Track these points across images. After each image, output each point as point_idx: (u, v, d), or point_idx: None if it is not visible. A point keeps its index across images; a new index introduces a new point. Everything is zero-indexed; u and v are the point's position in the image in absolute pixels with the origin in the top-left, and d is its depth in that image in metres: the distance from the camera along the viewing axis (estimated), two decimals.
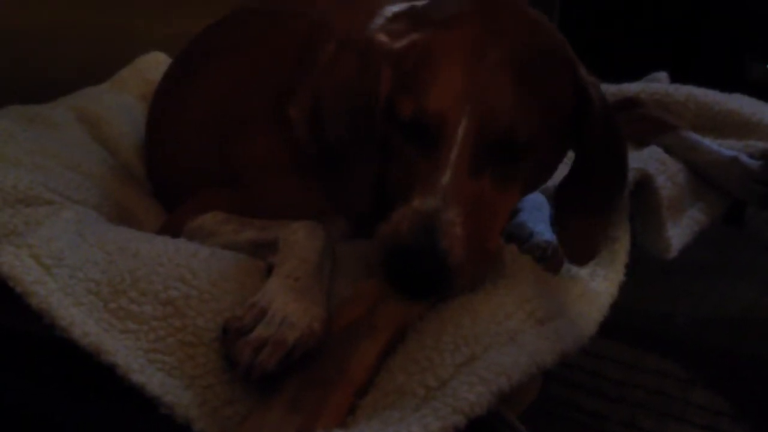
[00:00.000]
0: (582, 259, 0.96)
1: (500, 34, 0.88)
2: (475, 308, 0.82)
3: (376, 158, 0.93)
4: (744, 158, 1.30)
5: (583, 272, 0.96)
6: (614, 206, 0.99)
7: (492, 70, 0.86)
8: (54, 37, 1.56)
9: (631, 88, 1.54)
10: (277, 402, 0.77)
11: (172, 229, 1.01)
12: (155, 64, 1.54)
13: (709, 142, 1.34)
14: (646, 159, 1.28)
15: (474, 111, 0.85)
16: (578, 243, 0.95)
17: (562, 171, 0.99)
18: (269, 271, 0.87)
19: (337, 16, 1.10)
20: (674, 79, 1.71)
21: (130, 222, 1.11)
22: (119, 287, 0.82)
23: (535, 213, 1.07)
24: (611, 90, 1.53)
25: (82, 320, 0.77)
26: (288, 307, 0.79)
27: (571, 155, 0.99)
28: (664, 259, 1.13)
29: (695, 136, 1.35)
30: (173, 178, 1.19)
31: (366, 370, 0.79)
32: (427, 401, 0.71)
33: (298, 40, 1.11)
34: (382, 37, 0.93)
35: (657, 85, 1.55)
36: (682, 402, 1.32)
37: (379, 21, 1.01)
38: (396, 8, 1.03)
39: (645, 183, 1.12)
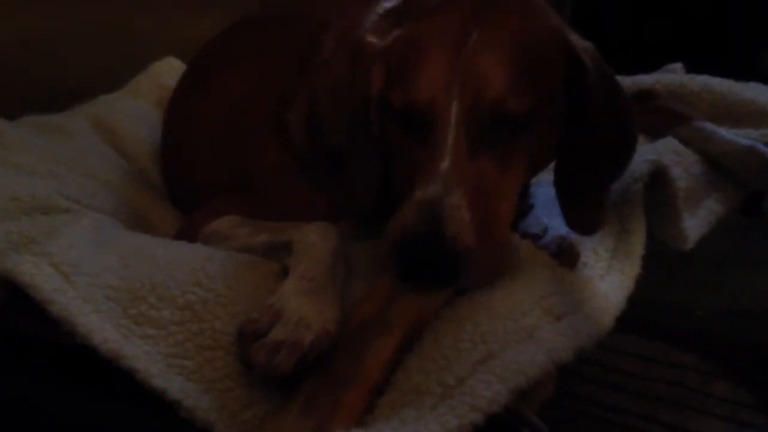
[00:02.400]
0: (588, 230, 0.95)
1: (482, 14, 0.88)
2: (491, 305, 0.82)
3: (375, 157, 0.93)
4: (760, 147, 1.29)
5: (599, 266, 0.96)
6: (621, 172, 0.97)
7: (476, 50, 0.85)
8: (66, 43, 1.57)
9: (645, 79, 1.52)
10: (293, 404, 0.77)
11: (188, 234, 1.02)
12: (169, 69, 1.56)
13: (725, 132, 1.33)
14: (661, 151, 1.27)
15: (463, 92, 0.84)
16: (583, 216, 0.94)
17: None
18: (284, 273, 0.88)
19: (338, 15, 1.11)
20: (689, 69, 1.70)
21: (147, 228, 1.12)
22: (138, 293, 0.83)
23: (549, 207, 1.06)
24: (626, 82, 1.53)
25: (101, 327, 0.78)
26: (303, 309, 0.80)
27: None
28: (681, 250, 1.13)
29: (711, 127, 1.34)
30: (189, 184, 1.20)
31: (381, 368, 0.79)
32: (444, 399, 0.72)
33: (302, 43, 1.11)
34: (371, 36, 0.94)
35: (672, 76, 1.54)
36: (703, 394, 1.32)
37: (371, 18, 1.01)
38: (388, 4, 1.03)
39: (660, 174, 1.12)
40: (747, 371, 1.38)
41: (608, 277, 0.96)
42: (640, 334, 1.45)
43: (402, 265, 0.82)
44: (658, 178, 1.12)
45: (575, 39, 0.92)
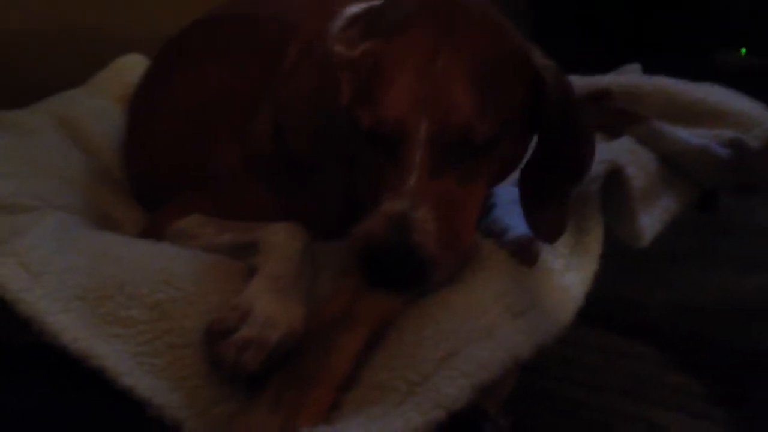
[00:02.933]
0: (550, 237, 0.97)
1: (450, 36, 0.90)
2: (453, 304, 0.84)
3: (341, 166, 0.95)
4: (714, 147, 1.33)
5: (557, 264, 0.98)
6: (577, 182, 1.01)
7: (444, 73, 0.88)
8: (29, 40, 1.56)
9: (602, 80, 1.56)
10: (261, 400, 0.79)
11: (154, 232, 1.03)
12: (132, 66, 1.55)
13: (680, 132, 1.37)
14: (617, 150, 1.31)
15: (430, 114, 0.87)
16: (545, 221, 0.97)
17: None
18: (251, 272, 0.89)
19: (304, 19, 1.12)
20: (646, 69, 1.74)
21: (112, 226, 1.13)
22: (106, 292, 0.83)
23: (510, 207, 1.09)
24: (582, 82, 1.56)
25: (70, 326, 0.79)
26: (270, 308, 0.81)
27: None
28: (637, 247, 1.16)
29: (665, 126, 1.38)
30: (151, 181, 1.21)
31: (346, 365, 0.81)
32: (409, 396, 0.74)
33: (264, 46, 1.13)
34: (339, 46, 0.95)
35: (627, 77, 1.58)
36: (658, 386, 1.36)
37: (338, 24, 1.03)
38: (354, 9, 1.05)
39: (616, 174, 1.15)
40: (701, 364, 1.43)
41: (567, 274, 0.98)
42: (598, 327, 1.49)
43: (368, 273, 0.85)
44: (614, 178, 1.15)
45: (537, 58, 0.95)
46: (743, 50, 2.77)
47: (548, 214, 0.97)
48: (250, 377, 0.79)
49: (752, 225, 1.91)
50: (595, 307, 1.01)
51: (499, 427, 0.80)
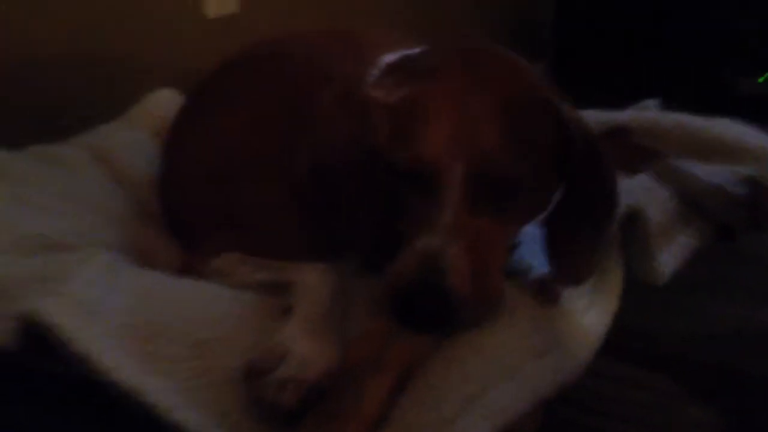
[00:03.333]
0: (578, 280, 1.02)
1: (483, 83, 0.96)
2: (477, 346, 0.89)
3: (377, 205, 1.00)
4: (729, 186, 1.37)
5: (579, 304, 1.03)
6: (603, 229, 1.04)
7: (477, 116, 0.93)
8: (65, 71, 1.61)
9: (621, 116, 1.61)
10: None
11: (192, 269, 1.08)
12: (164, 100, 1.61)
13: (696, 169, 1.41)
14: (635, 188, 1.36)
15: (464, 154, 0.92)
16: (571, 264, 1.01)
17: None
18: (285, 311, 0.94)
19: (335, 64, 1.18)
20: (667, 99, 1.78)
21: (150, 260, 1.17)
22: (153, 331, 0.88)
23: (532, 246, 1.13)
24: (602, 118, 1.61)
25: (122, 364, 0.83)
26: (306, 349, 0.86)
27: None
28: (655, 285, 1.20)
29: (683, 164, 1.43)
30: (187, 217, 1.26)
31: (378, 406, 0.86)
32: None
33: (299, 88, 1.18)
34: (378, 92, 1.01)
35: (646, 114, 1.62)
36: (677, 417, 1.39)
37: (375, 72, 1.08)
38: (390, 58, 1.11)
39: (635, 216, 1.19)
40: (719, 394, 1.46)
41: (588, 313, 1.03)
42: (617, 357, 1.52)
43: (400, 311, 0.89)
44: (633, 219, 1.19)
45: (564, 109, 1.00)
46: (761, 78, 2.82)
47: (575, 257, 1.01)
48: (287, 414, 0.84)
49: None
50: (614, 337, 1.05)
51: None
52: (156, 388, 0.83)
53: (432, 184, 0.93)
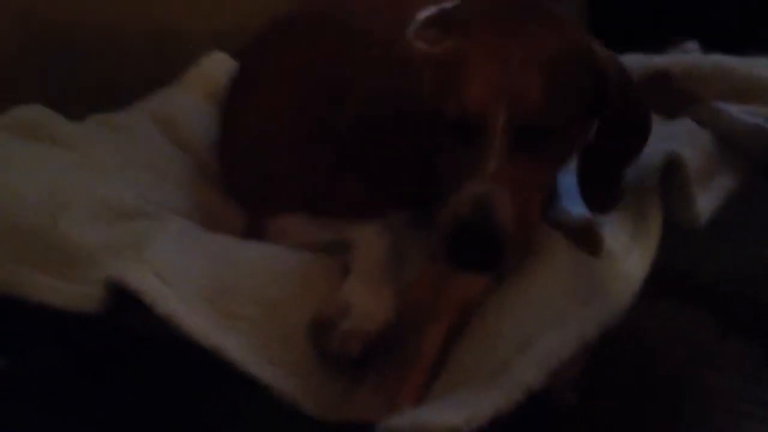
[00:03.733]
0: (605, 209, 1.09)
1: (524, 33, 1.01)
2: (527, 294, 0.96)
3: (421, 156, 1.06)
4: (766, 124, 1.40)
5: (620, 251, 1.08)
6: (631, 162, 1.12)
7: (520, 68, 0.99)
8: (111, 39, 1.68)
9: (660, 60, 1.63)
10: (364, 383, 0.92)
11: (256, 231, 1.16)
12: (217, 63, 1.66)
13: (735, 110, 1.44)
14: (676, 131, 1.39)
15: (508, 104, 0.98)
16: (599, 196, 1.09)
17: None
18: (346, 269, 1.02)
19: (375, 23, 1.23)
20: (708, 43, 1.79)
21: (214, 223, 1.24)
22: (226, 293, 0.97)
23: (572, 197, 1.19)
24: (642, 62, 1.63)
25: (201, 324, 0.92)
26: (367, 303, 0.94)
27: None
28: (693, 228, 1.25)
29: (722, 106, 1.45)
30: (247, 179, 1.33)
31: (435, 350, 0.94)
32: (492, 380, 0.86)
33: (346, 51, 1.24)
34: (420, 44, 1.06)
35: (686, 56, 1.64)
36: (715, 350, 1.45)
37: (413, 26, 1.14)
38: (428, 12, 1.16)
39: (676, 163, 1.23)
40: (753, 328, 1.51)
41: (627, 259, 1.08)
42: (656, 295, 1.58)
43: (454, 252, 0.96)
44: (674, 166, 1.24)
45: (599, 50, 1.05)
46: None
47: (602, 191, 1.10)
48: (352, 364, 0.92)
49: None
50: (650, 275, 1.10)
51: (567, 402, 0.92)
52: (233, 345, 0.92)
53: (477, 133, 0.99)
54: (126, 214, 1.11)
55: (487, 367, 0.88)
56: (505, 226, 0.95)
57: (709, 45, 1.72)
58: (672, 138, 1.34)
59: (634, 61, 1.63)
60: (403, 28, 1.15)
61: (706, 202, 1.29)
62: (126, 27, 1.68)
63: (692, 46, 1.73)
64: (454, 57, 1.02)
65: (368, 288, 0.97)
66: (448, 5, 1.17)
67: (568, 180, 1.20)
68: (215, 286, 0.97)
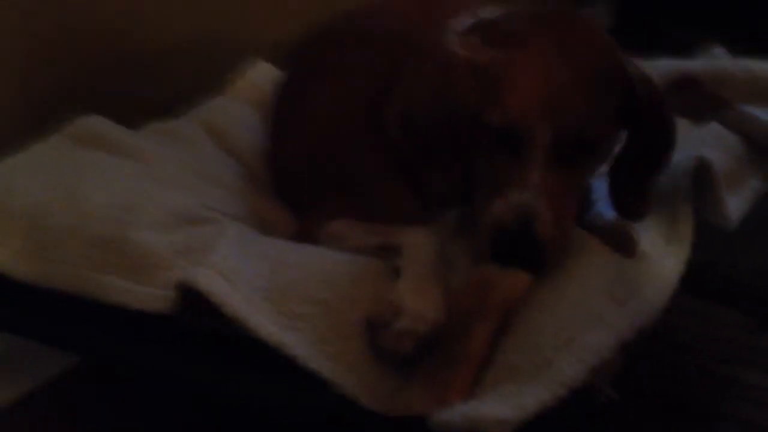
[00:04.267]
0: (638, 217, 1.16)
1: (567, 49, 1.07)
2: (568, 295, 1.02)
3: (461, 158, 1.13)
4: None
5: (655, 252, 1.14)
6: (660, 170, 1.18)
7: (563, 83, 1.05)
8: (164, 54, 1.75)
9: (689, 65, 1.68)
10: (417, 379, 0.99)
11: (308, 236, 1.23)
12: (262, 73, 1.74)
13: (764, 114, 1.49)
14: (706, 136, 1.45)
15: (552, 118, 1.05)
16: (631, 205, 1.16)
17: None
18: (395, 272, 1.08)
19: (417, 31, 1.30)
20: (733, 44, 1.84)
21: (268, 229, 1.32)
22: (285, 293, 1.03)
23: (606, 203, 1.26)
24: (671, 67, 1.68)
25: (264, 323, 0.99)
26: (418, 304, 1.01)
27: None
28: (725, 229, 1.30)
29: (750, 110, 1.50)
30: (298, 185, 1.40)
31: (483, 347, 1.00)
32: (536, 377, 0.92)
33: (387, 58, 1.30)
34: (462, 51, 1.12)
35: (713, 62, 1.69)
36: (751, 348, 1.51)
37: (452, 35, 1.19)
38: (466, 21, 1.22)
39: (706, 167, 1.29)
40: None
41: (663, 261, 1.14)
42: (691, 293, 1.63)
43: (500, 256, 1.04)
44: (704, 169, 1.29)
45: (632, 67, 1.12)
46: None
47: (634, 200, 1.16)
48: (405, 360, 0.99)
49: None
50: (684, 274, 1.16)
51: (608, 398, 0.99)
52: (294, 343, 0.99)
53: (521, 144, 1.06)
54: (190, 221, 1.19)
55: (530, 364, 0.94)
56: (545, 234, 1.03)
57: (737, 50, 1.77)
58: (701, 142, 1.40)
59: (664, 66, 1.69)
60: (440, 36, 1.21)
61: (736, 204, 1.35)
62: (171, 38, 1.75)
63: (719, 51, 1.78)
64: (499, 67, 1.08)
65: (418, 289, 1.03)
66: (486, 14, 1.23)
67: (602, 187, 1.26)
68: (274, 287, 1.04)
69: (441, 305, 1.02)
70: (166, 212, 1.18)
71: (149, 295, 1.05)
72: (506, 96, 1.06)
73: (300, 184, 1.39)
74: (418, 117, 1.16)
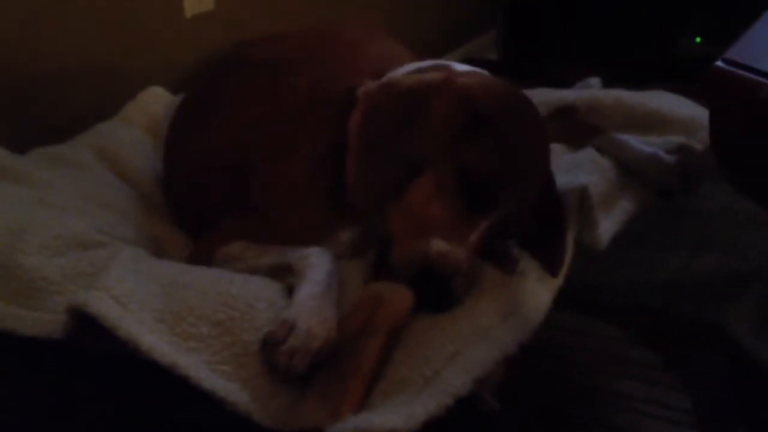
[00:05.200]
0: (556, 272, 1.24)
1: (528, 125, 1.21)
2: (454, 312, 1.08)
3: (402, 175, 1.15)
4: (661, 153, 1.56)
5: (532, 276, 1.21)
6: (564, 233, 1.29)
7: (530, 159, 1.19)
8: (55, 79, 1.72)
9: (567, 95, 1.79)
10: (310, 394, 1.02)
11: (202, 257, 1.24)
12: (156, 98, 1.75)
13: (634, 141, 1.59)
14: (582, 160, 1.54)
15: (516, 190, 1.16)
16: (549, 262, 1.24)
17: None
18: (290, 290, 1.12)
19: (309, 64, 1.35)
20: (609, 61, 1.96)
21: (160, 251, 1.33)
22: (179, 315, 1.04)
23: None
24: (550, 96, 1.79)
25: (157, 344, 1.00)
26: (310, 322, 1.04)
27: None
28: (596, 250, 1.39)
29: (622, 137, 1.60)
30: (193, 209, 1.41)
31: (373, 362, 1.04)
32: (425, 388, 0.97)
33: (302, 95, 1.33)
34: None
35: (589, 92, 1.80)
36: (622, 359, 1.61)
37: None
38: (420, 65, 1.29)
39: (583, 193, 1.38)
40: (658, 338, 1.68)
41: (540, 283, 1.21)
42: (568, 308, 1.72)
43: (416, 289, 1.09)
44: (582, 197, 1.38)
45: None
46: (698, 39, 3.01)
47: (549, 255, 1.25)
48: (298, 377, 1.02)
49: (706, 209, 2.15)
50: (565, 290, 1.24)
51: (491, 408, 1.04)
52: (187, 363, 1.00)
53: (485, 202, 1.14)
54: (81, 245, 1.18)
55: (419, 375, 0.99)
56: (462, 283, 1.10)
57: (611, 81, 1.90)
58: (577, 166, 1.50)
59: (543, 95, 1.79)
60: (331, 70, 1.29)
61: (608, 225, 1.44)
62: (62, 62, 1.73)
63: (595, 81, 1.90)
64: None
65: (312, 308, 1.06)
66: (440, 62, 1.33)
67: None
68: (168, 309, 1.05)
69: (333, 323, 1.06)
70: (56, 236, 1.17)
71: (40, 321, 1.04)
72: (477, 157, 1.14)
73: (198, 207, 1.40)
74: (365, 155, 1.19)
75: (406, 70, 1.29)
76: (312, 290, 1.09)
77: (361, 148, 1.18)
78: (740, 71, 1.22)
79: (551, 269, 1.22)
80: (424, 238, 1.10)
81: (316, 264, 1.13)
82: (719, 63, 1.26)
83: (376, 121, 1.18)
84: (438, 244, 1.10)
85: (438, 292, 1.08)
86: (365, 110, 1.20)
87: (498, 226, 1.16)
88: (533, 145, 1.19)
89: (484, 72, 1.30)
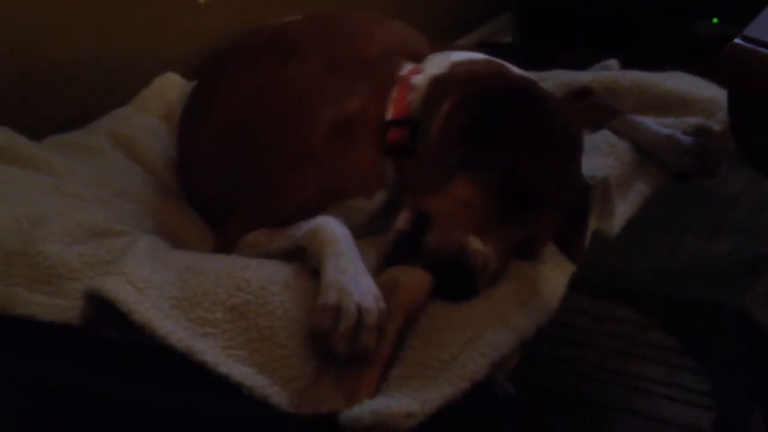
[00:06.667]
0: (579, 259, 1.25)
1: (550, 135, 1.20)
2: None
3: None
4: (678, 135, 1.55)
5: (551, 260, 1.21)
6: (586, 223, 1.28)
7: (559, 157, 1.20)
8: (70, 67, 1.73)
9: (583, 76, 1.77)
10: (326, 378, 1.02)
11: (225, 248, 1.23)
12: (170, 84, 1.75)
13: (650, 122, 1.58)
14: (599, 142, 1.53)
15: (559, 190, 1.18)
16: (569, 250, 1.25)
17: None
18: (312, 270, 1.08)
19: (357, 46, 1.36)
20: (627, 45, 1.93)
21: (178, 240, 1.33)
22: (194, 300, 1.04)
23: None
24: (566, 79, 1.77)
25: (173, 330, 1.00)
26: (354, 297, 0.99)
27: None
28: (610, 236, 1.38)
29: (638, 118, 1.59)
30: (209, 193, 1.41)
31: (390, 347, 1.04)
32: (442, 372, 0.96)
33: (292, 66, 1.34)
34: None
35: (606, 73, 1.78)
36: (640, 343, 1.60)
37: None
38: (471, 56, 1.33)
39: (605, 185, 1.37)
40: (675, 321, 1.67)
41: (557, 267, 1.21)
42: (585, 292, 1.72)
43: (439, 281, 1.08)
44: (600, 186, 1.37)
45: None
46: (715, 20, 2.98)
47: (573, 246, 1.26)
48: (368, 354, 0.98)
49: (722, 193, 2.13)
50: (582, 274, 1.24)
51: (507, 392, 1.04)
52: (203, 348, 1.00)
53: (527, 206, 1.15)
54: (99, 233, 1.18)
55: (436, 360, 0.98)
56: (485, 280, 1.09)
57: (628, 63, 1.88)
58: (594, 148, 1.48)
59: (559, 77, 1.77)
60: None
61: (622, 209, 1.43)
62: (78, 51, 1.74)
63: (612, 63, 1.88)
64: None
65: (347, 283, 1.01)
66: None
67: None
68: (184, 295, 1.05)
69: (377, 292, 1.02)
70: (75, 224, 1.17)
71: (59, 307, 1.05)
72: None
73: (210, 193, 1.40)
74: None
75: (457, 58, 1.32)
76: (338, 264, 1.04)
77: (445, 134, 1.19)
78: (760, 48, 1.20)
79: (572, 257, 1.23)
80: (464, 233, 1.10)
81: (328, 236, 1.09)
82: (738, 40, 1.24)
83: (468, 116, 1.19)
84: (475, 242, 1.09)
85: (462, 285, 1.07)
86: (459, 103, 1.21)
87: (530, 238, 1.17)
88: (577, 166, 1.24)
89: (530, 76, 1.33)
